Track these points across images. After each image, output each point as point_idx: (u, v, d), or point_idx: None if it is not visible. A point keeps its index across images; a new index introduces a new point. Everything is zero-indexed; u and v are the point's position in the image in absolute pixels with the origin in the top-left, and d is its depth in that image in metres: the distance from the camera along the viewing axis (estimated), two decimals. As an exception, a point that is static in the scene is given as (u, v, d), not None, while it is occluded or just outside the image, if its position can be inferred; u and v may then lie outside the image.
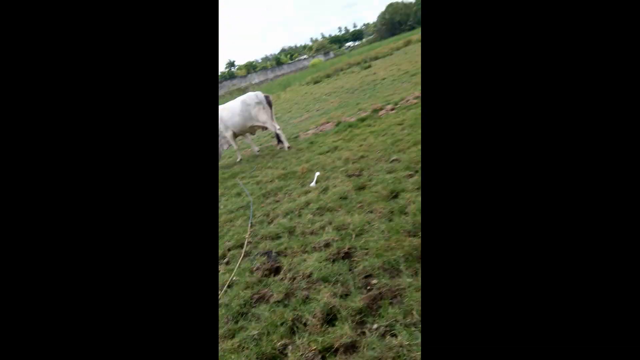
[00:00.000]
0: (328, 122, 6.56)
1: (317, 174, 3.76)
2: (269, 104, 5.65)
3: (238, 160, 6.16)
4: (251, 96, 5.68)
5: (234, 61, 55.63)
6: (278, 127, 5.71)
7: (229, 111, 5.78)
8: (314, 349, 1.49)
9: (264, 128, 5.88)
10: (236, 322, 1.85)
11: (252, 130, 5.96)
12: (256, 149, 6.26)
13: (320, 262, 2.12)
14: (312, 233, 2.57)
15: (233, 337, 1.74)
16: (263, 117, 5.63)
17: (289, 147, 5.60)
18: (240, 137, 6.45)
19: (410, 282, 1.70)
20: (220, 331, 1.80)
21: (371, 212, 2.56)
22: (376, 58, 19.11)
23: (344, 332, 1.53)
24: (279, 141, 5.80)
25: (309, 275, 2.04)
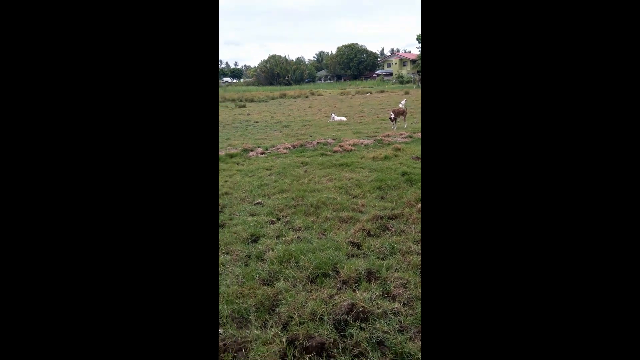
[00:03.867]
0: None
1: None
2: None
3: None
4: None
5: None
6: None
7: None
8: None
9: None
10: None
11: None
12: None
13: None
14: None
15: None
16: None
17: None
18: None
19: (257, 335, 1.65)
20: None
21: (227, 253, 2.46)
22: (252, 100, 19.62)
23: None
24: None
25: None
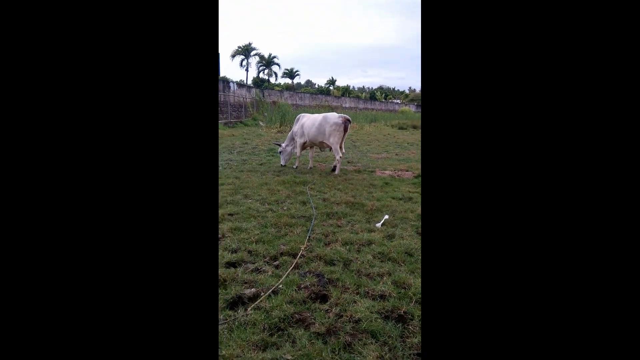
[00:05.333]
0: (407, 171, 6.37)
1: (386, 217, 3.58)
2: (345, 129, 5.84)
3: (309, 167, 6.34)
4: (334, 115, 5.90)
5: (335, 80, 57.93)
6: (340, 155, 5.86)
7: (311, 121, 6.03)
8: (347, 411, 1.30)
9: (330, 149, 6.01)
10: (271, 335, 1.70)
11: (321, 145, 6.14)
12: (311, 164, 6.49)
13: (372, 313, 1.92)
14: (368, 275, 2.38)
15: (264, 350, 1.60)
16: (334, 138, 5.79)
17: (336, 173, 5.83)
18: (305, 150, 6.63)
19: None
20: (254, 338, 1.66)
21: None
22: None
23: (384, 408, 1.32)
24: (333, 168, 6.00)
25: (357, 322, 1.85)
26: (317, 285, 2.20)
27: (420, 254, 2.75)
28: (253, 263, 2.50)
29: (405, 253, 2.76)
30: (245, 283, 2.20)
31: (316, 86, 62.32)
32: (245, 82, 40.99)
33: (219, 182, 4.92)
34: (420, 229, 3.30)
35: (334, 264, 2.52)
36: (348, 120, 5.86)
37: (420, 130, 16.54)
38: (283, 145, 6.36)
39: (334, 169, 5.97)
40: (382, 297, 2.12)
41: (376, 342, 1.71)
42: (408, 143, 11.64)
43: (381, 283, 2.28)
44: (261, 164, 6.69)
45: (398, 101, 51.81)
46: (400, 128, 18.70)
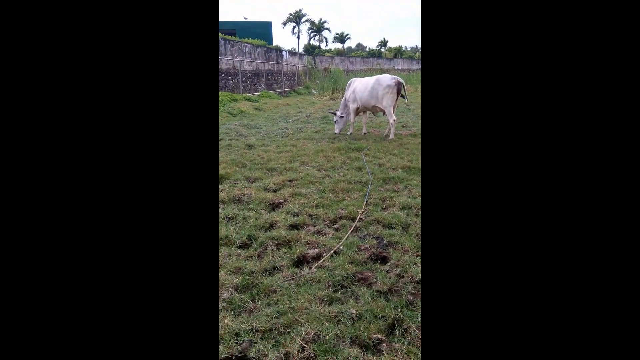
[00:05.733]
0: (466, 134, 6.07)
1: (445, 182, 3.50)
2: (398, 92, 5.61)
3: (363, 132, 6.30)
4: (387, 78, 5.72)
5: (386, 41, 55.26)
6: (394, 119, 5.71)
7: (363, 85, 5.88)
8: (411, 362, 1.38)
9: (383, 112, 5.86)
10: (335, 291, 1.82)
11: (373, 109, 6.01)
12: (364, 130, 6.36)
13: (432, 274, 1.95)
14: (427, 239, 2.39)
15: (330, 304, 1.72)
16: (387, 101, 5.64)
17: (391, 138, 5.70)
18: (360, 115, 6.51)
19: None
20: (320, 293, 1.79)
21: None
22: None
23: (447, 361, 1.38)
24: (387, 133, 5.89)
25: (418, 282, 1.90)
26: (377, 247, 2.27)
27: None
28: (314, 226, 2.62)
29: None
30: (308, 244, 2.32)
31: (367, 49, 59.96)
32: (297, 50, 40.69)
33: (277, 150, 5.09)
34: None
35: (392, 228, 2.56)
36: (401, 82, 5.65)
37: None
38: (338, 114, 6.32)
39: (388, 134, 5.87)
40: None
41: (438, 302, 1.75)
42: (468, 104, 10.96)
43: (441, 246, 2.28)
44: (316, 132, 6.76)
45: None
46: (459, 88, 17.55)
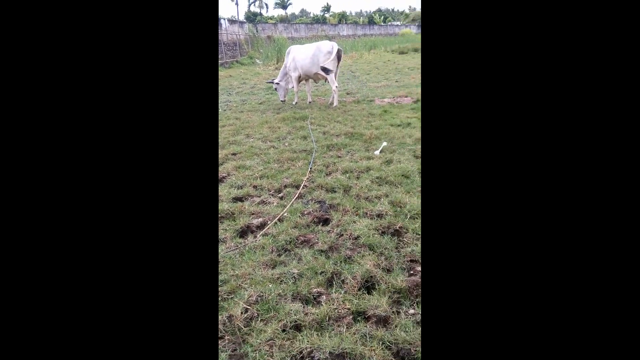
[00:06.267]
0: (407, 97, 6.29)
1: (384, 143, 3.66)
2: (339, 58, 5.69)
3: (308, 101, 6.30)
4: (326, 44, 5.73)
5: (330, 6, 53.97)
6: (336, 85, 5.80)
7: (303, 53, 5.85)
8: (347, 308, 1.51)
9: (325, 80, 5.92)
10: (279, 255, 1.91)
11: (315, 77, 6.03)
12: (309, 99, 6.38)
13: (369, 230, 2.10)
14: (367, 199, 2.54)
15: (274, 267, 1.80)
16: (328, 68, 5.67)
17: (335, 105, 5.80)
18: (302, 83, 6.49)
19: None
20: (264, 258, 1.86)
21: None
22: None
23: (380, 304, 1.53)
24: (332, 101, 5.97)
25: (356, 238, 2.04)
26: (320, 211, 2.38)
27: (416, 176, 2.88)
28: (259, 197, 2.66)
29: (402, 175, 2.88)
30: (253, 214, 2.37)
31: (311, 15, 58.41)
32: (237, 18, 38.60)
33: (220, 123, 4.97)
34: (418, 152, 3.40)
35: (334, 191, 2.67)
36: (339, 50, 5.69)
37: (419, 53, 15.70)
38: (276, 80, 6.25)
39: (332, 102, 5.93)
40: (380, 216, 2.29)
41: (373, 253, 1.90)
42: (408, 68, 11.24)
43: (379, 204, 2.44)
44: (260, 103, 6.65)
45: (398, 23, 48.65)
46: (401, 53, 17.87)
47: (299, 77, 6.03)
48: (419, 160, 3.24)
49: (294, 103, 6.32)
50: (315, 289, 1.62)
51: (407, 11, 61.26)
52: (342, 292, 1.61)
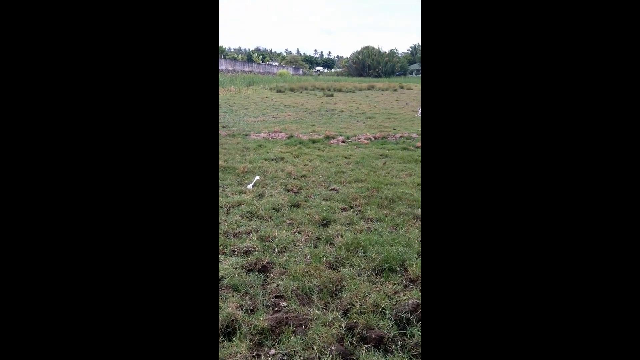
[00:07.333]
0: (281, 132, 6.51)
1: (257, 177, 3.65)
2: None
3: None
4: None
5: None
6: None
7: None
8: (203, 360, 1.37)
9: None
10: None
11: None
12: None
13: (235, 269, 2.01)
14: (235, 235, 2.44)
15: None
16: None
17: None
18: None
19: (318, 315, 1.67)
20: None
21: (299, 232, 2.53)
22: (340, 90, 19.76)
23: (239, 349, 1.43)
24: None
25: (220, 279, 1.91)
26: (180, 252, 2.17)
27: (286, 209, 2.92)
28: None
29: (273, 209, 2.89)
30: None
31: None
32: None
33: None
34: (289, 186, 3.49)
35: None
36: None
37: (297, 95, 16.73)
38: None
39: None
40: (247, 252, 2.22)
41: (238, 294, 1.80)
42: (285, 105, 11.79)
43: (247, 240, 2.37)
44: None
45: (276, 63, 51.26)
46: (279, 91, 18.70)
47: None
48: (290, 193, 3.31)
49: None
50: (166, 344, 1.42)
51: (284, 53, 65.23)
52: (199, 342, 1.46)
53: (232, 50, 59.74)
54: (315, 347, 1.48)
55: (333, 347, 1.47)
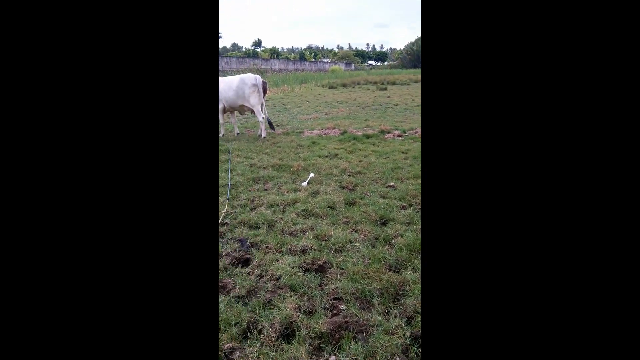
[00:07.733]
0: (334, 128, 6.44)
1: (312, 175, 3.62)
2: (264, 90, 5.80)
3: (236, 133, 6.17)
4: (250, 77, 5.73)
5: (260, 41, 55.31)
6: (263, 116, 5.79)
7: (226, 85, 5.80)
8: (263, 363, 1.34)
9: (252, 112, 5.90)
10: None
11: (241, 109, 5.98)
12: (237, 130, 6.29)
13: (293, 268, 1.97)
14: (291, 234, 2.42)
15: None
16: (254, 100, 5.67)
17: (263, 137, 5.76)
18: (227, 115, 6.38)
19: (380, 321, 1.57)
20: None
21: (356, 231, 2.44)
22: (394, 83, 19.23)
23: (299, 354, 1.39)
24: (271, 126, 6.00)
25: (278, 279, 1.89)
26: (239, 251, 2.20)
27: (341, 207, 2.85)
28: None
29: (328, 207, 2.84)
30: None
31: (243, 49, 59.27)
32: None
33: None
34: (344, 183, 3.41)
35: (258, 227, 2.52)
36: (264, 82, 5.73)
37: (349, 90, 16.62)
38: None
39: (260, 134, 5.85)
40: (304, 251, 2.18)
41: (295, 295, 1.77)
42: (337, 102, 11.71)
43: (303, 238, 2.33)
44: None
45: (328, 60, 51.38)
46: (331, 87, 18.69)
47: (224, 109, 5.91)
48: (345, 190, 3.24)
49: (220, 135, 6.12)
50: (227, 345, 1.42)
51: (335, 49, 65.16)
52: (259, 344, 1.44)
53: (285, 50, 60.99)
54: (378, 357, 1.39)
55: (398, 358, 1.36)
